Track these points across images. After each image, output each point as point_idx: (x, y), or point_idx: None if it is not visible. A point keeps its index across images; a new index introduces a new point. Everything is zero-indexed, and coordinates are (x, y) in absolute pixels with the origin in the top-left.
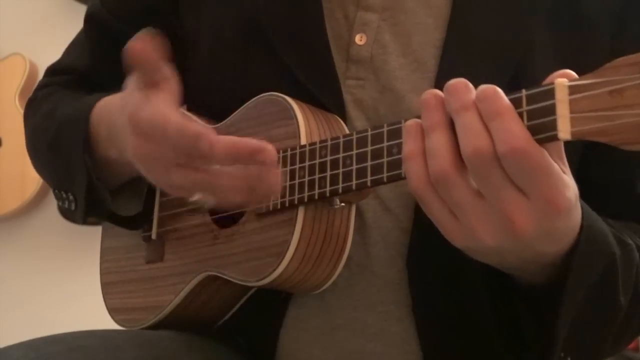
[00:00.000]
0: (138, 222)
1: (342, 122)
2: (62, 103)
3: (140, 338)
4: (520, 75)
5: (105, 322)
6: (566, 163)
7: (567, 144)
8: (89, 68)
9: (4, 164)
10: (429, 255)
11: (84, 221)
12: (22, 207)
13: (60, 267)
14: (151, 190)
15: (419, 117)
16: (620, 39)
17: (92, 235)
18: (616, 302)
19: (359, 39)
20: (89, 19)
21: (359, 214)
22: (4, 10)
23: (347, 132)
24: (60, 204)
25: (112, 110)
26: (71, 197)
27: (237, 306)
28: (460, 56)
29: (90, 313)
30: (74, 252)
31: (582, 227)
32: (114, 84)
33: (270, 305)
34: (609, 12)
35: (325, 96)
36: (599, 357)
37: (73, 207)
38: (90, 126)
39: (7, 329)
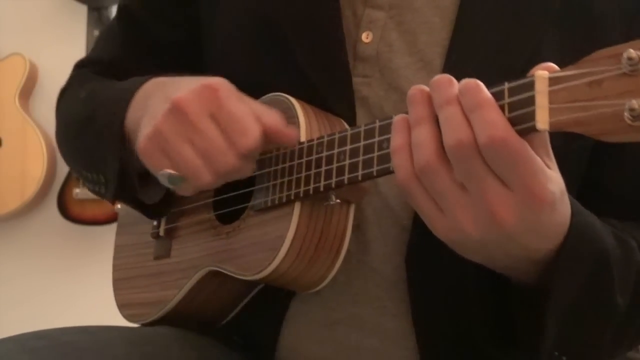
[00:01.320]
0: (157, 211)
1: (345, 124)
2: (97, 88)
3: (133, 334)
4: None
5: (104, 321)
6: (552, 158)
7: (573, 149)
8: (117, 58)
9: (4, 164)
10: (428, 253)
11: (113, 202)
12: (22, 207)
13: (60, 267)
14: None
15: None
16: (631, 39)
17: (91, 235)
18: (612, 301)
19: (366, 37)
20: (122, 10)
21: (360, 209)
22: (4, 10)
23: None
24: (90, 187)
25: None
26: (102, 179)
27: (241, 305)
28: (466, 56)
29: (90, 312)
30: (74, 252)
31: (571, 223)
32: (141, 75)
33: (274, 300)
34: (620, 11)
35: (335, 94)
36: (601, 357)
37: (103, 190)
38: (130, 106)
39: (7, 328)
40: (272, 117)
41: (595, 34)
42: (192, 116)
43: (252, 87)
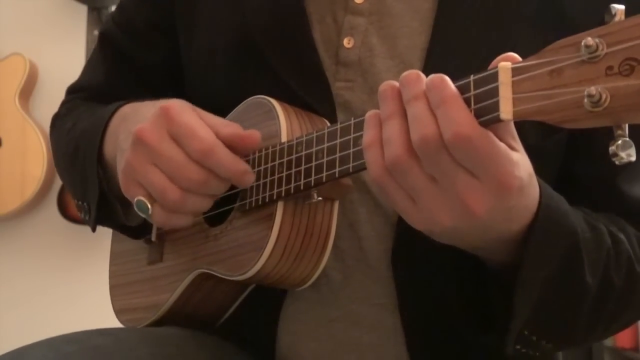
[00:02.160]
0: (141, 231)
1: (327, 122)
2: (81, 118)
3: (150, 336)
4: None
5: (103, 321)
6: (518, 141)
7: (547, 146)
8: (103, 84)
9: (4, 164)
10: (412, 249)
11: (94, 229)
12: (22, 207)
13: (60, 267)
14: None
15: None
16: None
17: (91, 236)
18: (582, 283)
19: (347, 42)
20: (101, 37)
21: (353, 209)
22: (4, 10)
23: None
24: (80, 214)
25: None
26: (86, 207)
27: (235, 305)
28: (445, 58)
29: (90, 312)
30: (74, 252)
31: (539, 205)
32: (128, 99)
33: (268, 299)
34: (591, 19)
35: (316, 100)
36: (572, 341)
37: (87, 217)
38: (106, 134)
39: (7, 328)
40: (230, 127)
41: (567, 36)
42: (153, 142)
43: (235, 102)
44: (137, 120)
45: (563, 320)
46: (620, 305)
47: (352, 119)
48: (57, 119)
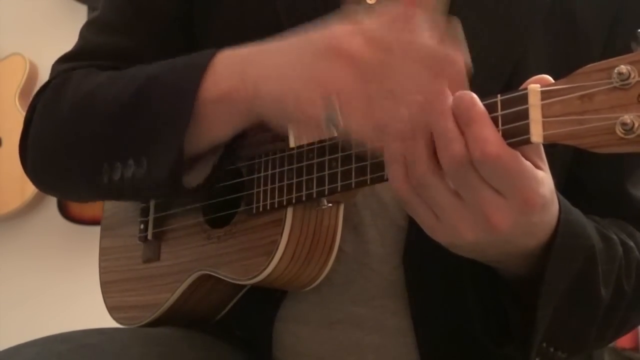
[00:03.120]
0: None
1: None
2: (128, 73)
3: (144, 335)
4: (514, 83)
5: (104, 321)
6: (544, 159)
7: (558, 150)
8: (132, 48)
9: (4, 164)
10: (424, 252)
11: (168, 184)
12: (22, 207)
13: (60, 267)
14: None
15: None
16: (611, 51)
17: (91, 235)
18: (597, 294)
19: None
20: None
21: (357, 211)
22: (4, 10)
23: None
24: (108, 178)
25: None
26: (144, 162)
27: (232, 303)
28: None
29: (89, 312)
30: (74, 252)
31: (559, 220)
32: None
33: (265, 298)
34: (601, 24)
35: None
36: (584, 348)
37: (142, 173)
38: (206, 74)
39: (7, 328)
40: None
41: (578, 41)
42: (350, 46)
43: None
44: (277, 49)
45: (578, 331)
46: (629, 311)
47: None
48: (66, 83)
